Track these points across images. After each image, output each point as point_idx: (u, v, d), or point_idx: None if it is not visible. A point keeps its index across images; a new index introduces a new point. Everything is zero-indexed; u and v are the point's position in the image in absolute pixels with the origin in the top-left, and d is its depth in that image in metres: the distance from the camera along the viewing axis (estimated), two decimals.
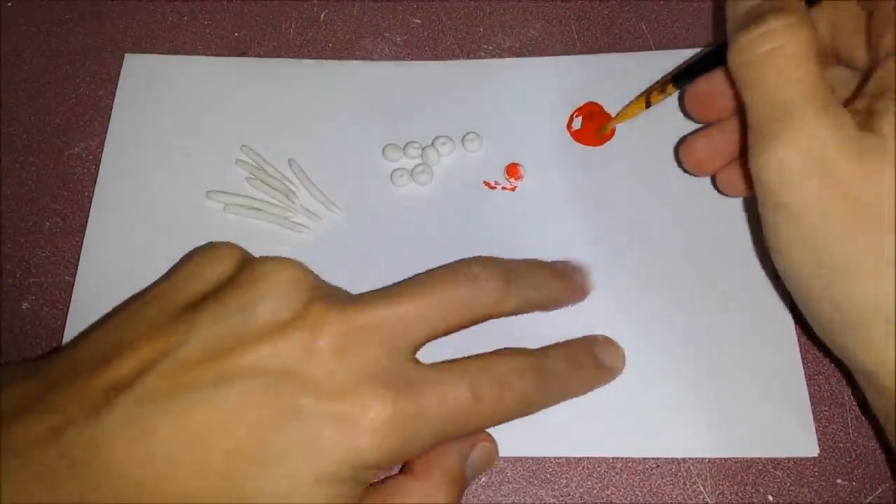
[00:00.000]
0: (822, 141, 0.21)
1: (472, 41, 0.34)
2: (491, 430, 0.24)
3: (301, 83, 0.33)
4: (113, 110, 0.33)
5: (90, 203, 0.31)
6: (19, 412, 0.21)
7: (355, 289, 0.24)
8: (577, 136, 0.32)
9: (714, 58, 0.27)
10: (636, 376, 0.27)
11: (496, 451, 0.25)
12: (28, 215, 0.31)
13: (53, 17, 0.36)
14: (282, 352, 0.21)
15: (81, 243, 0.30)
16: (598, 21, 0.35)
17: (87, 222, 0.31)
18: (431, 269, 0.24)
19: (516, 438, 0.27)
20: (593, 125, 0.32)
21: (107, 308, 0.29)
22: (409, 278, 0.24)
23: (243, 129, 0.32)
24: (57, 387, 0.21)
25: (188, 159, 0.32)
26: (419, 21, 0.35)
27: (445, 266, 0.24)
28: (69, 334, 0.29)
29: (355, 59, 0.34)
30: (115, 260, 0.30)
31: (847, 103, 0.24)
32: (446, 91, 0.33)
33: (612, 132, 0.32)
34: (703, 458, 0.27)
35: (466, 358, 0.23)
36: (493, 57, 0.34)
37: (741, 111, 0.24)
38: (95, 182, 0.31)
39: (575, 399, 0.26)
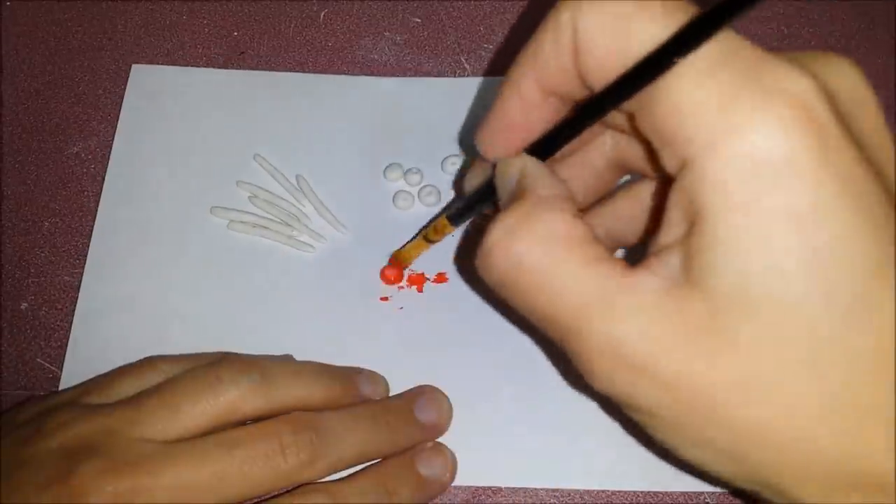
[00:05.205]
0: (624, 337, 0.17)
1: (472, 40, 0.34)
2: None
3: (308, 98, 0.33)
4: (119, 121, 0.32)
5: (89, 203, 0.31)
6: None
7: (363, 307, 0.27)
8: None
9: (487, 197, 0.23)
10: None
11: None
12: (27, 215, 0.31)
13: (53, 16, 0.36)
14: None
15: (80, 243, 0.30)
16: None
17: (86, 224, 0.31)
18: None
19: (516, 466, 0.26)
20: None
21: (111, 323, 0.28)
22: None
23: (249, 143, 0.32)
24: None
25: (194, 173, 0.31)
26: (419, 20, 0.35)
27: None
28: (72, 339, 0.29)
29: (355, 58, 0.34)
30: (119, 277, 0.30)
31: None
32: (454, 108, 0.32)
33: (401, 273, 0.29)
34: None
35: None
36: (493, 56, 0.34)
37: None
38: (94, 182, 0.31)
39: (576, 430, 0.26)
